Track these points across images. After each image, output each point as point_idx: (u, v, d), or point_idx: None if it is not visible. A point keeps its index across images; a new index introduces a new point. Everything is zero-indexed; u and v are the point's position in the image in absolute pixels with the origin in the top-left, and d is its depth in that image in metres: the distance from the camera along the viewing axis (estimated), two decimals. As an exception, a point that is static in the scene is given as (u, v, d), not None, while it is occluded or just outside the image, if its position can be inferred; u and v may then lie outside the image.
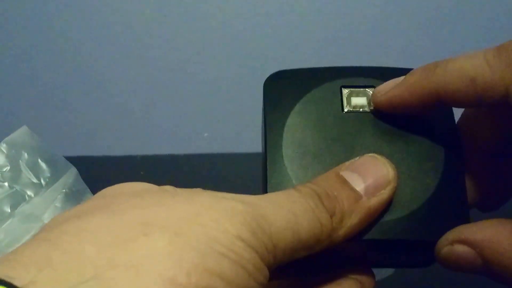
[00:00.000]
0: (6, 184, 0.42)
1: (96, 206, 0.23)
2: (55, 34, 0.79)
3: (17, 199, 0.42)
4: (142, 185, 0.26)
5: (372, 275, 0.29)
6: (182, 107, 0.82)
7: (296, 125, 0.31)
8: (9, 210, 0.42)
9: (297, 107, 0.31)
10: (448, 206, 0.29)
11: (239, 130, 0.84)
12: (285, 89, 0.33)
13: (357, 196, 0.26)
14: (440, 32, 0.82)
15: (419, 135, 0.31)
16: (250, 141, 0.84)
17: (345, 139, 0.30)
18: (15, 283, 0.19)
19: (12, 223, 0.41)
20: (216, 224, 0.22)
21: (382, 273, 0.45)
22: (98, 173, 0.75)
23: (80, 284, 0.19)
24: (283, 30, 0.81)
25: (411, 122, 0.31)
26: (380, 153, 0.29)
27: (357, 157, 0.28)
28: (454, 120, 0.32)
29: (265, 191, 0.29)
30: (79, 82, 0.80)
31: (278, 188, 0.29)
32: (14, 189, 0.43)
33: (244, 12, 0.80)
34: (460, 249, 0.27)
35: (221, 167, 0.79)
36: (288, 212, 0.24)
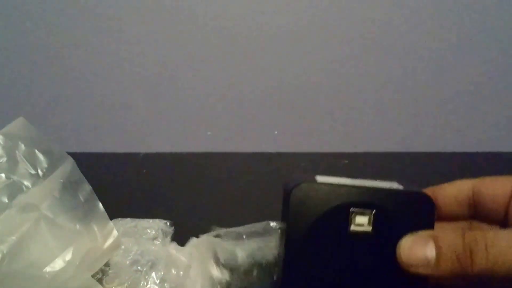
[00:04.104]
0: (3, 175, 0.42)
1: None
2: (58, 31, 0.79)
3: (14, 190, 0.42)
4: None
5: None
6: (185, 105, 0.82)
7: (313, 237, 0.38)
8: (7, 201, 0.42)
9: (314, 223, 0.38)
10: None
11: (242, 129, 0.84)
12: (305, 204, 0.38)
13: None
14: (442, 34, 0.82)
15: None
16: (253, 140, 0.84)
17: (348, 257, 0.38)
18: None
19: (10, 213, 0.41)
20: None
21: None
22: (101, 170, 0.75)
23: None
24: (285, 32, 0.81)
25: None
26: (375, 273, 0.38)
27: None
28: None
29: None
30: (82, 80, 0.81)
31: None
32: (11, 180, 0.43)
33: (248, 13, 0.80)
34: None
35: (223, 165, 0.79)
36: None
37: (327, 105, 0.83)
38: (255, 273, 0.47)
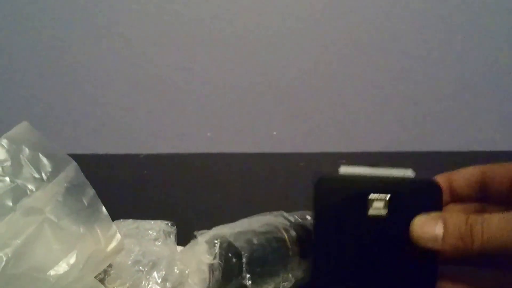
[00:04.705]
0: (7, 178, 0.43)
1: None
2: (59, 35, 0.79)
3: (18, 193, 0.42)
4: None
5: None
6: (185, 107, 0.83)
7: (337, 221, 0.44)
8: (11, 204, 0.42)
9: (337, 209, 0.43)
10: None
11: (241, 130, 0.84)
12: (329, 193, 0.44)
13: None
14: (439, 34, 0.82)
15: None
16: (252, 141, 0.85)
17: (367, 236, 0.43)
18: None
19: (14, 216, 0.41)
20: None
21: None
22: (102, 171, 0.75)
23: None
24: (283, 34, 0.81)
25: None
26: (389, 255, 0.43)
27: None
28: None
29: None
30: (84, 82, 0.81)
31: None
32: (16, 183, 0.43)
33: (246, 16, 0.80)
34: None
35: (223, 166, 0.79)
36: None
37: (324, 106, 0.83)
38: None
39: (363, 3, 0.79)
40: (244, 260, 0.46)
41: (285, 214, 0.54)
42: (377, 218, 0.43)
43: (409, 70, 0.82)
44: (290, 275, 0.48)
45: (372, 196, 0.43)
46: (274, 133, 0.84)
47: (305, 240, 0.50)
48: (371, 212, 0.43)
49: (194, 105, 0.82)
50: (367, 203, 0.43)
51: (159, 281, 0.48)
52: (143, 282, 0.48)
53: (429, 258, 0.42)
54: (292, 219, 0.53)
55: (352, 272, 0.44)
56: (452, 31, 0.81)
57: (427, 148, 0.84)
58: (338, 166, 0.45)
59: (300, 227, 0.51)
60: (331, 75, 0.82)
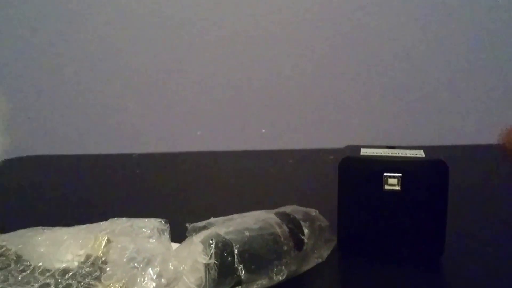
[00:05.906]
0: None
1: None
2: (53, 34, 0.80)
3: None
4: None
5: None
6: (175, 106, 0.83)
7: (358, 194, 0.51)
8: None
9: (359, 184, 0.50)
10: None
11: (230, 128, 0.84)
12: (351, 171, 0.51)
13: None
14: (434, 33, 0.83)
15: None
16: (241, 139, 0.85)
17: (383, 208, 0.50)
18: None
19: None
20: None
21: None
22: (96, 171, 0.76)
23: None
24: (271, 34, 0.81)
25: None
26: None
27: None
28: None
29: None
30: (76, 82, 0.81)
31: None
32: None
33: (235, 17, 0.80)
34: None
35: (213, 164, 0.79)
36: None
37: (312, 104, 0.84)
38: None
39: (348, 6, 0.80)
40: (236, 251, 0.46)
41: (276, 210, 0.55)
42: (391, 192, 0.49)
43: (395, 68, 0.83)
44: (283, 268, 0.48)
45: (387, 174, 0.49)
46: (263, 130, 0.85)
47: (298, 234, 0.52)
48: (387, 187, 0.50)
49: (184, 105, 0.83)
50: (383, 180, 0.49)
51: (154, 277, 0.48)
52: (139, 278, 0.48)
53: (436, 225, 0.49)
54: (284, 215, 0.54)
55: (370, 236, 0.51)
56: (440, 31, 0.82)
57: (415, 142, 0.85)
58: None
59: (292, 222, 0.52)
60: (319, 73, 0.83)
